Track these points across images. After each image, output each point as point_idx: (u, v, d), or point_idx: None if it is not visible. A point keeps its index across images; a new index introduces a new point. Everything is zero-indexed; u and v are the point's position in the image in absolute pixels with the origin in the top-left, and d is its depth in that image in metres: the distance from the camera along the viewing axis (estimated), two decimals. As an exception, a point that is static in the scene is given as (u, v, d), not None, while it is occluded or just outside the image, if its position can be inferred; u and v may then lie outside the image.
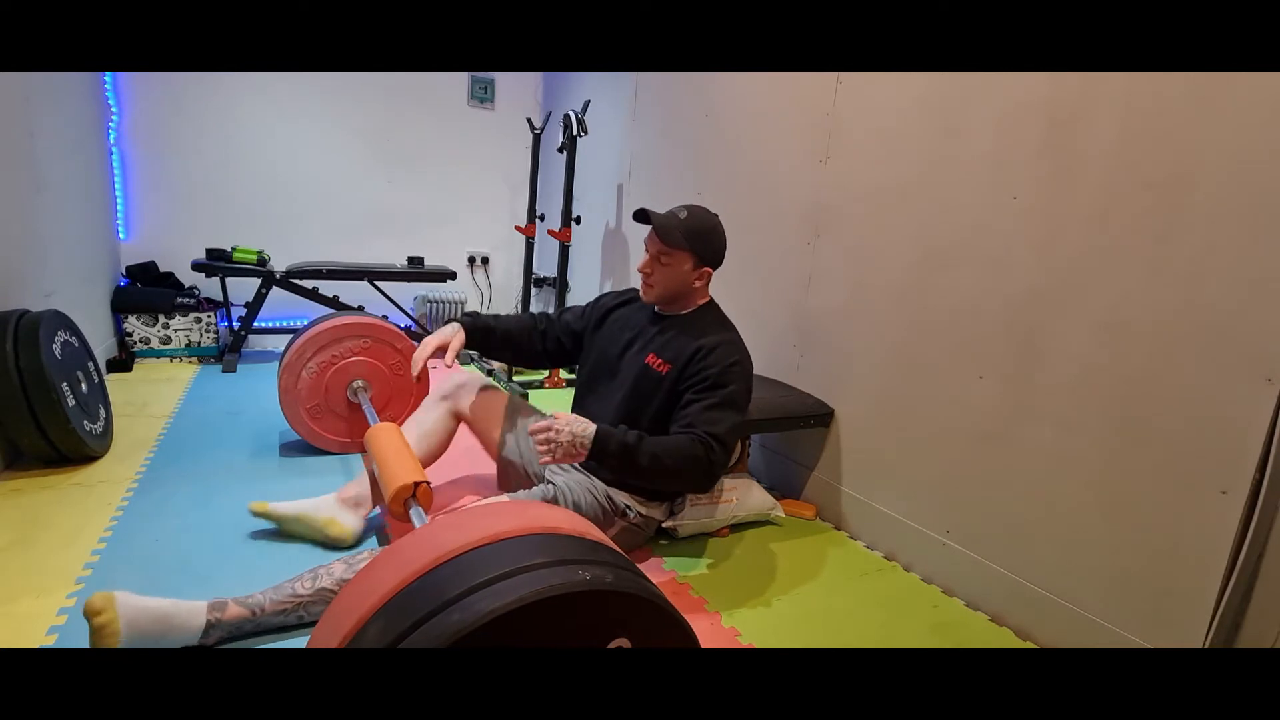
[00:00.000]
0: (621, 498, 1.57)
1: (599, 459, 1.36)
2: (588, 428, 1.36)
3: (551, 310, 1.83)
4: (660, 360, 1.54)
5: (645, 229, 1.57)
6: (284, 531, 1.59)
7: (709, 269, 1.59)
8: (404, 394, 2.22)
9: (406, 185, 3.85)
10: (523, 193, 3.96)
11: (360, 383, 2.12)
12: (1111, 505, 1.31)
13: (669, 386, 1.51)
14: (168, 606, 1.16)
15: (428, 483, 1.38)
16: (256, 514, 1.58)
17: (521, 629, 0.64)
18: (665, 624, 0.76)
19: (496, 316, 1.76)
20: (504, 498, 1.53)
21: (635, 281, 1.65)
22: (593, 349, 1.72)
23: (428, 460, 1.74)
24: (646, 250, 1.59)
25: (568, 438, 1.33)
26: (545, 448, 1.33)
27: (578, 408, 1.70)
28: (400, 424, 2.27)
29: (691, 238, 1.53)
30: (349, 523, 1.58)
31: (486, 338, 1.71)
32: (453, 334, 1.64)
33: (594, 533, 0.84)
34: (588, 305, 1.81)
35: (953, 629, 1.48)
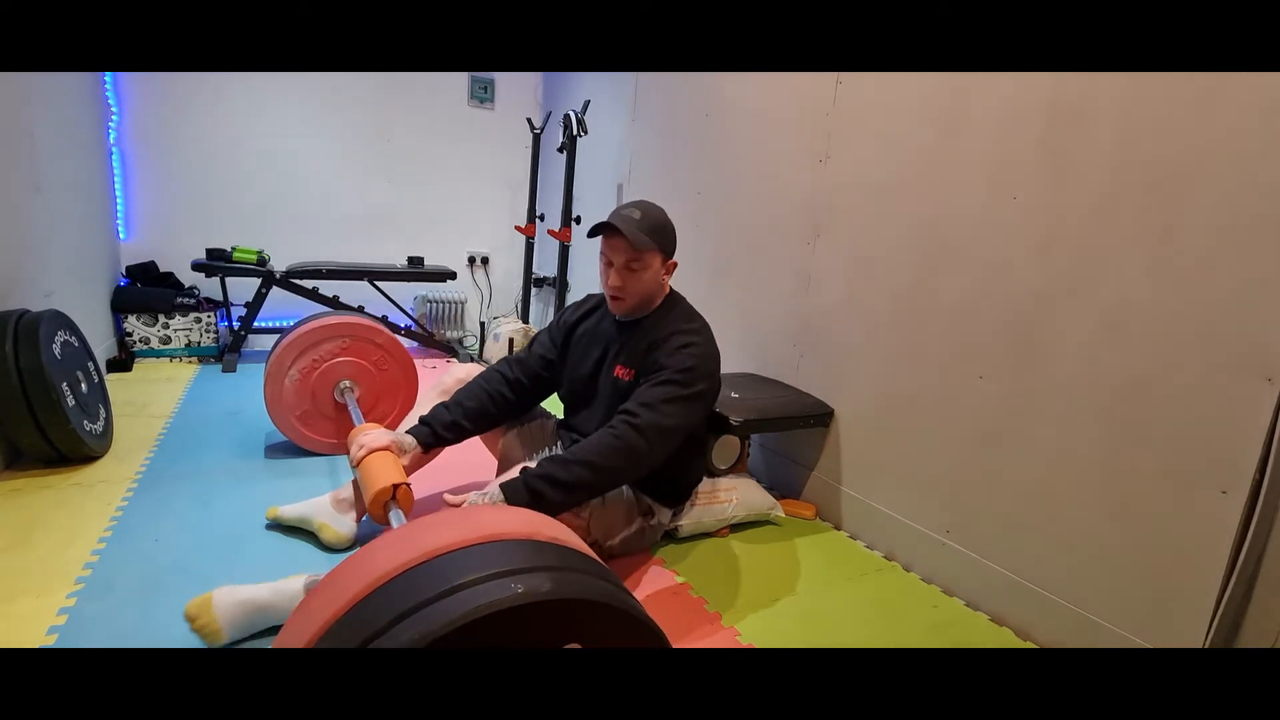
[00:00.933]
0: (645, 499, 1.60)
1: (529, 498, 1.26)
2: (491, 489, 1.30)
3: (523, 350, 1.72)
4: (625, 369, 1.51)
5: None
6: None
7: (674, 262, 1.54)
8: (393, 389, 2.21)
9: (406, 185, 3.85)
10: (523, 193, 3.97)
11: (347, 383, 2.11)
12: (1111, 505, 1.31)
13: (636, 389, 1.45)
14: (266, 595, 1.21)
15: (407, 484, 1.37)
16: (271, 519, 1.63)
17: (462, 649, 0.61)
18: (625, 625, 0.72)
19: (456, 403, 1.59)
20: None
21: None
22: (565, 371, 1.67)
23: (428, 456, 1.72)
24: (609, 263, 1.48)
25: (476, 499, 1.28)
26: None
27: (564, 425, 1.71)
28: (397, 426, 2.28)
29: (655, 234, 1.46)
30: (341, 527, 1.58)
31: (456, 435, 1.56)
32: (408, 456, 1.48)
33: (547, 531, 0.79)
34: (551, 325, 1.74)
35: (953, 629, 1.48)
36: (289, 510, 1.62)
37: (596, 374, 1.59)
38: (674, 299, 1.58)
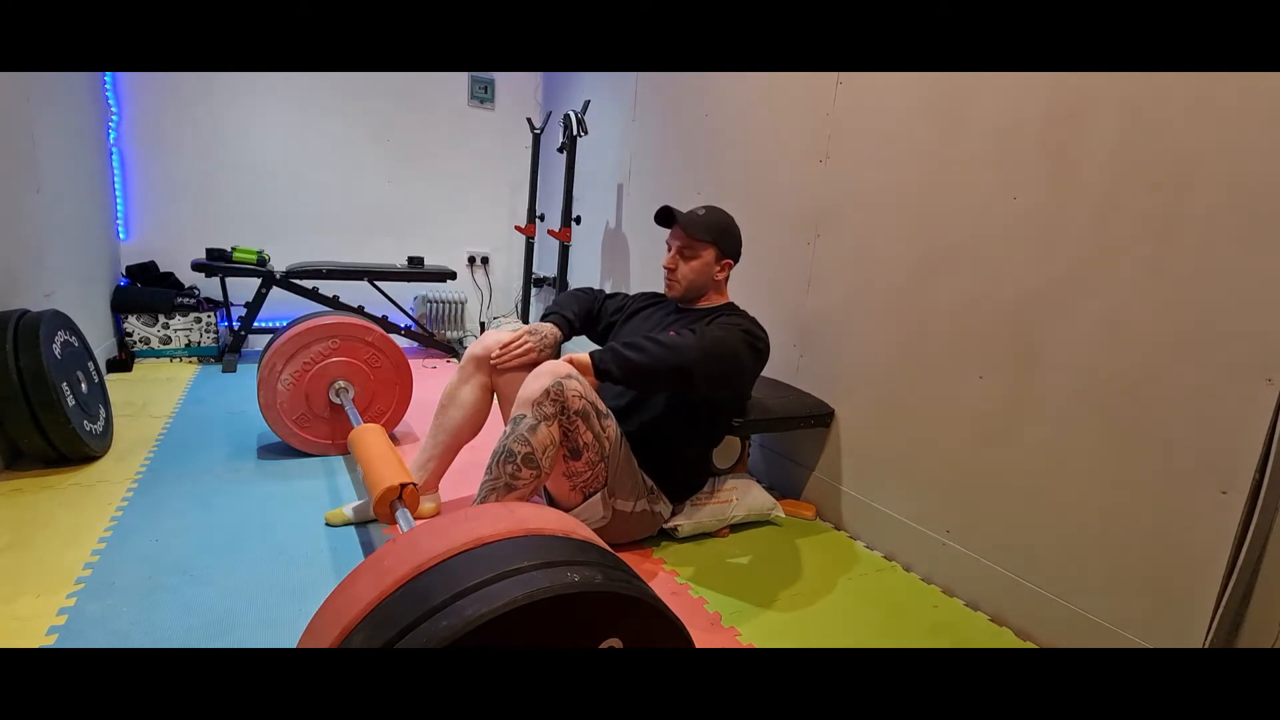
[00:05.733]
0: (650, 482, 1.65)
1: (602, 363, 1.47)
2: (553, 331, 1.66)
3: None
4: (678, 335, 1.63)
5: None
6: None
7: (730, 261, 1.72)
8: (387, 386, 2.21)
9: (406, 185, 3.85)
10: (523, 193, 3.97)
11: (341, 383, 2.10)
12: (1111, 505, 1.31)
13: None
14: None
15: (414, 484, 1.38)
16: (335, 523, 1.67)
17: (511, 633, 0.63)
18: (658, 623, 0.76)
19: (564, 305, 1.86)
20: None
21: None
22: (619, 335, 1.82)
23: (459, 437, 1.74)
24: (669, 247, 1.71)
25: (536, 340, 1.61)
26: (522, 347, 1.59)
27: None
28: (395, 423, 2.28)
29: (714, 231, 1.67)
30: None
31: (579, 328, 1.85)
32: (553, 339, 1.73)
33: (581, 531, 0.84)
34: (621, 298, 1.93)
35: (953, 629, 1.48)
36: (349, 511, 1.68)
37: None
38: (735, 305, 1.76)
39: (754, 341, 1.59)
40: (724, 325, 1.59)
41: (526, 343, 1.67)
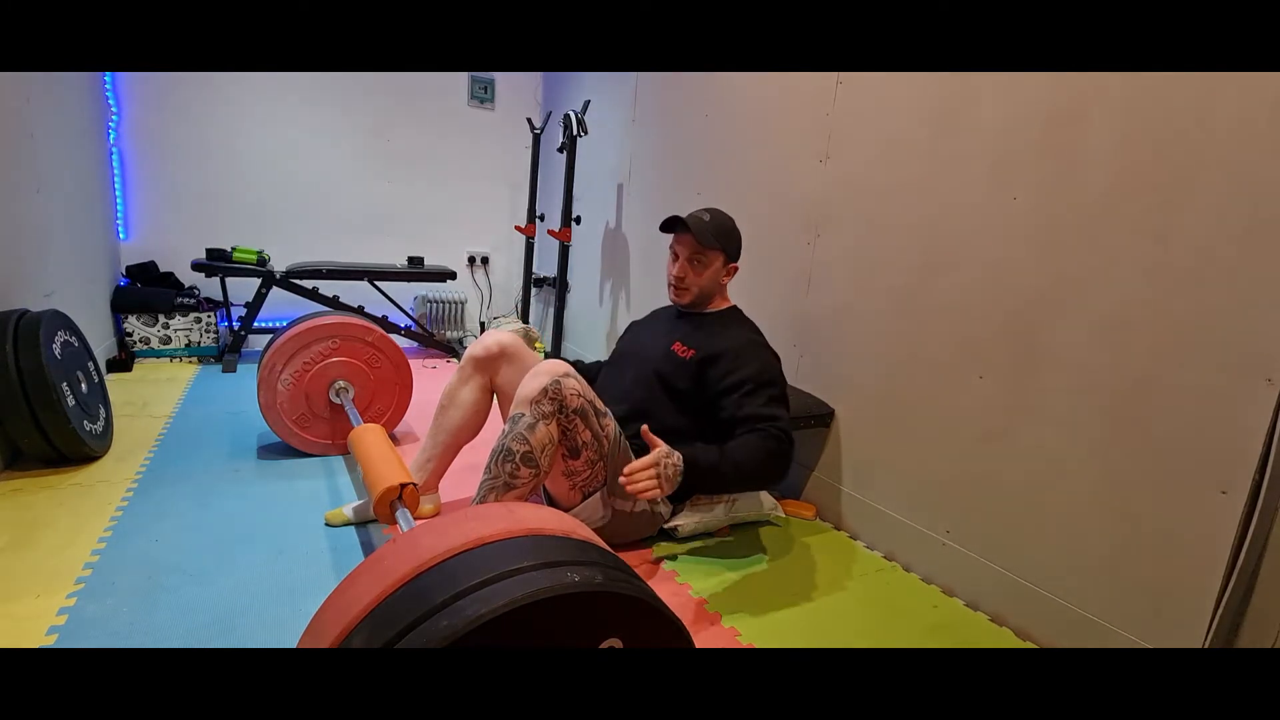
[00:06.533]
0: None
1: (688, 482, 1.36)
2: (679, 458, 1.34)
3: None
4: (685, 347, 1.65)
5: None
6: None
7: (735, 266, 1.73)
8: (387, 387, 2.21)
9: (406, 185, 3.85)
10: (523, 193, 3.97)
11: (341, 383, 2.10)
12: (1111, 505, 1.31)
13: (693, 370, 1.61)
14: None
15: (414, 484, 1.38)
16: (335, 523, 1.66)
17: (511, 633, 0.64)
18: (658, 623, 0.76)
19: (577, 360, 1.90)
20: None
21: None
22: (618, 348, 1.86)
23: (459, 437, 1.74)
24: (676, 255, 1.70)
25: (671, 471, 1.31)
26: (653, 485, 1.28)
27: (597, 389, 1.74)
28: (395, 423, 2.28)
29: (721, 236, 1.66)
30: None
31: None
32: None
33: (581, 531, 0.84)
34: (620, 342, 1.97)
35: (953, 629, 1.48)
36: (348, 511, 1.68)
37: (650, 344, 1.73)
38: (738, 310, 1.77)
39: (783, 390, 1.61)
40: (768, 399, 1.54)
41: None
